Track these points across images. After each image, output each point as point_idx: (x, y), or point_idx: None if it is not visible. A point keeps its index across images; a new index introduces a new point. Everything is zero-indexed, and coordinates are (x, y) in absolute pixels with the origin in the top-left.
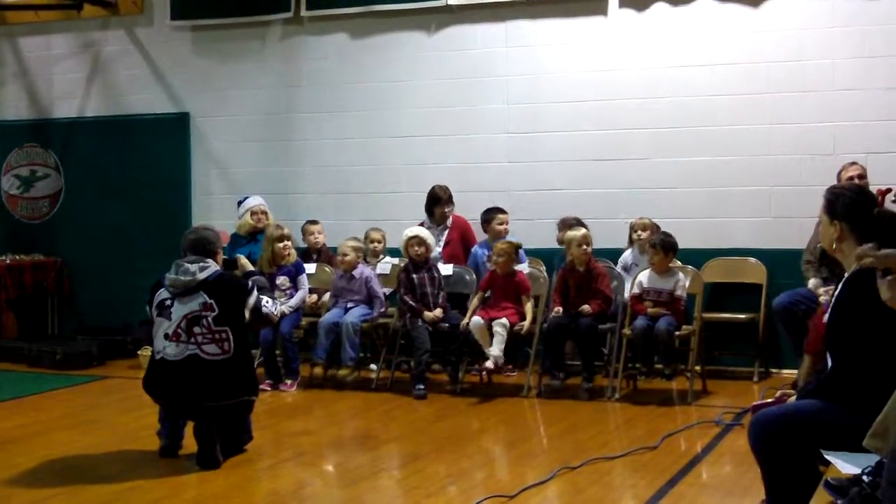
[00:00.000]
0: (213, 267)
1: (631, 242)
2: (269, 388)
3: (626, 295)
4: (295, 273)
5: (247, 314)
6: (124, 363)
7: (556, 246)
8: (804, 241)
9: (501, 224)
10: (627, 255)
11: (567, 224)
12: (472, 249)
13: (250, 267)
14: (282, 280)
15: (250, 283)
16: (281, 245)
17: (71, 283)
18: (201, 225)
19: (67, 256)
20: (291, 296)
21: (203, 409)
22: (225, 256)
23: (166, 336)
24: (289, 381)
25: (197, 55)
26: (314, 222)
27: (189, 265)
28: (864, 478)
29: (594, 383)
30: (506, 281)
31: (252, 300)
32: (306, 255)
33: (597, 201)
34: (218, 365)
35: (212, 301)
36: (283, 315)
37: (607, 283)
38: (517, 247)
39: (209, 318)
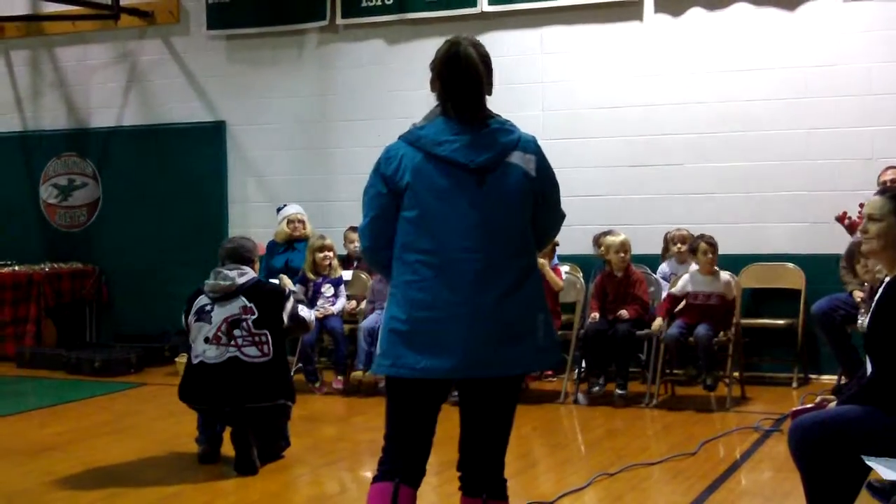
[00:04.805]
0: (250, 273)
1: (666, 253)
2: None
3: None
4: (337, 283)
5: (285, 318)
6: (162, 370)
7: (593, 252)
8: (842, 246)
9: None
10: (665, 268)
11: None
12: None
13: (291, 286)
14: (326, 287)
15: (287, 290)
16: (321, 255)
17: (109, 291)
18: (238, 235)
19: (105, 265)
20: (333, 304)
21: (242, 412)
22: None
23: (206, 339)
24: (317, 385)
25: (233, 64)
26: (355, 229)
27: (228, 272)
28: None
29: (629, 390)
30: None
31: (290, 305)
32: (346, 261)
33: (634, 207)
34: (258, 367)
35: (251, 305)
36: (326, 316)
37: (645, 288)
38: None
39: (249, 321)
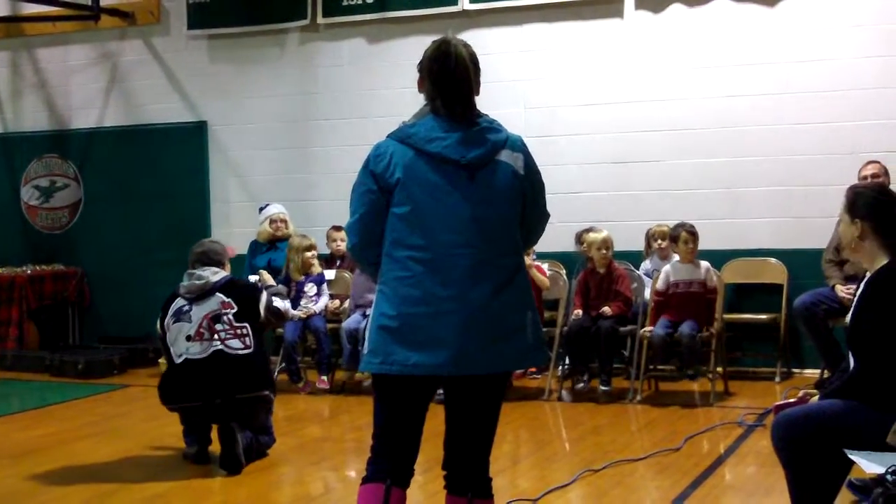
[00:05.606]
0: (223, 273)
1: (648, 250)
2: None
3: (647, 296)
4: (319, 282)
5: (262, 311)
6: (145, 372)
7: (575, 249)
8: (825, 240)
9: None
10: (647, 265)
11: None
12: None
13: (271, 281)
14: (309, 286)
15: (260, 284)
16: (309, 255)
17: (91, 293)
18: (208, 239)
19: (87, 266)
20: (316, 302)
21: (232, 403)
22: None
23: (188, 338)
24: (301, 384)
25: (214, 64)
26: (339, 228)
27: (201, 272)
28: (889, 477)
29: (613, 386)
30: None
31: (264, 297)
32: (329, 260)
33: (615, 204)
34: (242, 359)
35: (229, 300)
36: (309, 315)
37: (628, 284)
38: None
39: (230, 315)
